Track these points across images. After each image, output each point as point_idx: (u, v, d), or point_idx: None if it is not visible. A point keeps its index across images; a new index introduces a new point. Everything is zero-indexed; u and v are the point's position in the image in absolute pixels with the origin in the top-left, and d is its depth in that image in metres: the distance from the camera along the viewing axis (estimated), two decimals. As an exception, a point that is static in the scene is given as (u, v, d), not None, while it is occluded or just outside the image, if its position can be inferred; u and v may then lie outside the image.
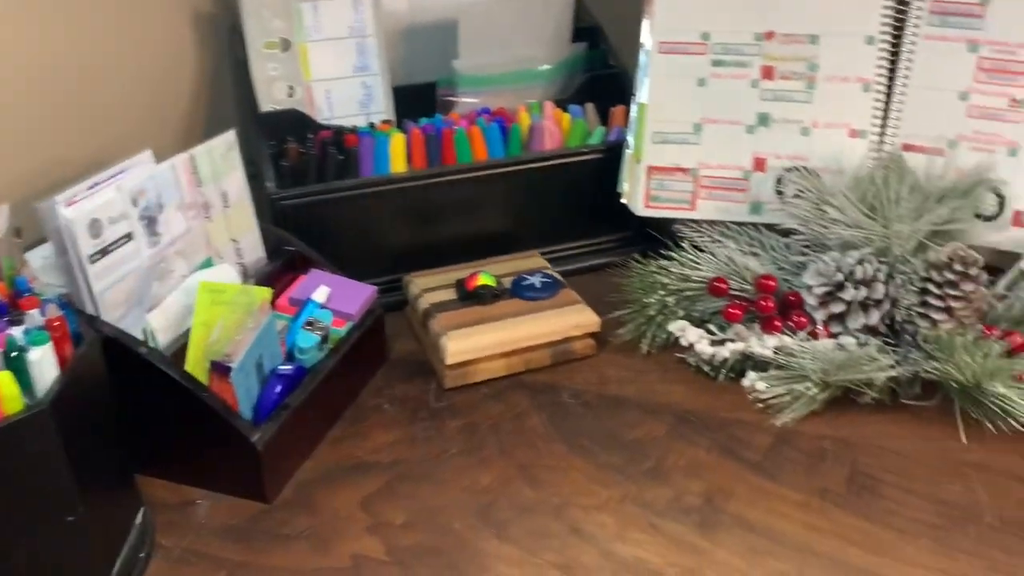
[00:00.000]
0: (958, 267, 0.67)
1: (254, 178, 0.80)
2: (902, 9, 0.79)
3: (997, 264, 0.75)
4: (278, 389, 0.64)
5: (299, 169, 0.82)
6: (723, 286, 0.72)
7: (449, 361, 0.72)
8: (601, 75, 0.94)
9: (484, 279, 0.77)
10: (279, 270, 0.75)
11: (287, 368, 0.65)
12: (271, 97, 0.87)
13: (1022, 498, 0.61)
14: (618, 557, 0.57)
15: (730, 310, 0.71)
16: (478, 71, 0.89)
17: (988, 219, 0.77)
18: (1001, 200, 0.77)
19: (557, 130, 0.88)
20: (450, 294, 0.78)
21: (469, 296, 0.77)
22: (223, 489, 0.63)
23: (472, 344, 0.73)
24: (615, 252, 0.89)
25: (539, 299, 0.77)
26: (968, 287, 0.67)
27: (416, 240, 0.84)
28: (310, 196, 0.80)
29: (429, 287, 0.79)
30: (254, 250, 0.75)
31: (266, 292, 0.67)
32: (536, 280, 0.79)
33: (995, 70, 0.77)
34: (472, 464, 0.65)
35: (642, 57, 0.83)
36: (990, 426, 0.66)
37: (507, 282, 0.79)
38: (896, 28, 0.79)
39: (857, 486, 0.62)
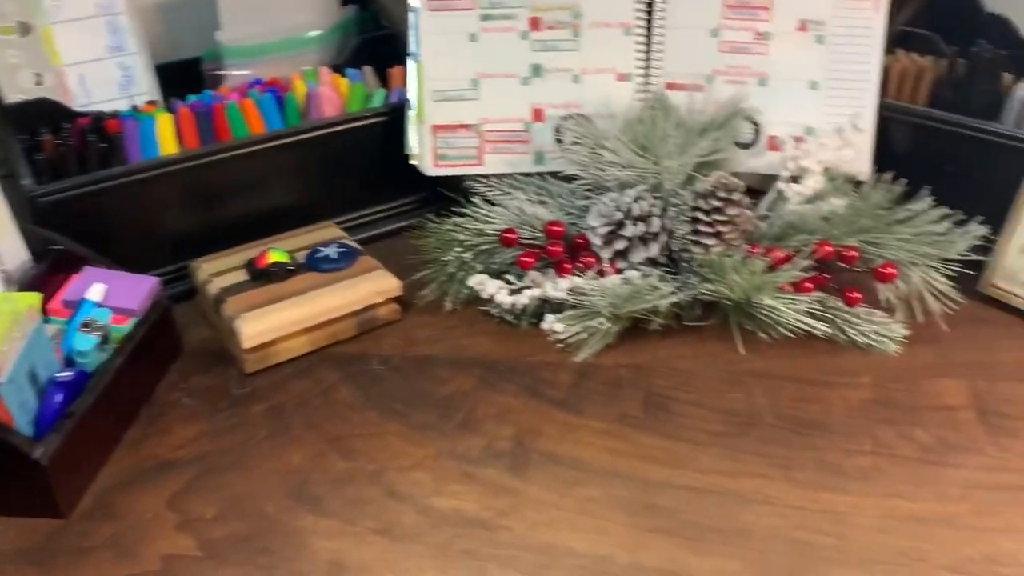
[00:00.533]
0: (722, 194, 0.72)
1: (7, 177, 0.74)
2: (652, -46, 0.83)
3: (760, 187, 0.82)
4: (59, 398, 0.60)
5: (57, 162, 0.76)
6: (513, 236, 0.74)
7: (246, 345, 0.70)
8: (375, 37, 0.93)
9: (275, 256, 0.75)
10: (47, 272, 0.70)
11: (66, 375, 0.61)
12: (16, 87, 0.80)
13: (795, 396, 0.67)
14: (436, 511, 0.58)
15: (523, 259, 0.73)
16: (245, 42, 0.85)
17: (746, 146, 0.83)
18: (756, 128, 0.83)
19: (336, 96, 0.86)
20: (241, 276, 0.75)
21: (261, 275, 0.75)
22: (14, 511, 0.58)
23: (269, 324, 0.71)
24: (412, 214, 0.89)
25: (337, 270, 0.76)
26: (732, 211, 0.72)
27: (199, 223, 0.80)
28: (73, 190, 0.74)
29: (218, 271, 0.76)
30: (16, 255, 0.69)
31: (32, 298, 0.62)
32: (332, 251, 0.77)
33: (739, 6, 0.82)
34: (281, 445, 0.64)
35: (411, 17, 0.83)
36: (763, 336, 0.72)
37: (301, 256, 0.77)
38: (648, -28, 0.83)
39: (653, 407, 0.66)
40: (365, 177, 0.87)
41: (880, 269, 0.70)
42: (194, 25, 0.86)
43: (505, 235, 0.74)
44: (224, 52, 0.85)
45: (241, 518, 0.58)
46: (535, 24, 0.83)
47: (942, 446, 0.61)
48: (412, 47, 0.83)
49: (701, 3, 0.82)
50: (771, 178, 0.82)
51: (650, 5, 0.83)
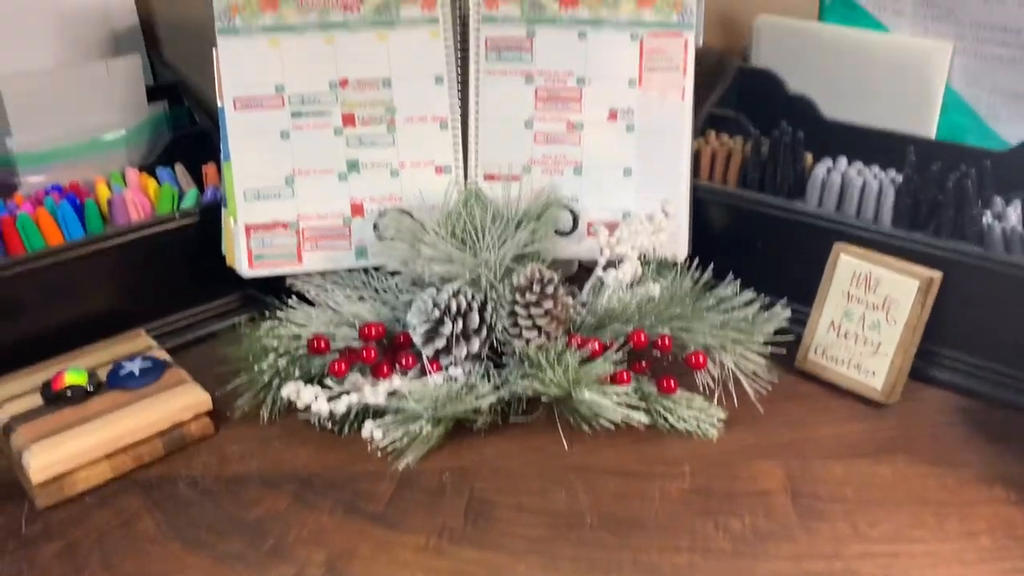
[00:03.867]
0: (537, 288, 0.72)
1: None
2: (463, 48, 0.83)
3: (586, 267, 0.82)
4: None
5: None
6: (322, 344, 0.71)
7: (36, 479, 0.64)
8: (188, 133, 0.90)
9: (72, 377, 0.70)
10: None
11: None
12: None
13: (616, 492, 0.66)
14: (235, 657, 0.54)
15: (334, 366, 0.71)
16: (39, 147, 0.80)
17: (567, 234, 0.84)
18: (574, 216, 0.84)
19: (144, 198, 0.82)
20: (35, 400, 0.70)
21: (56, 399, 0.69)
22: None
23: (63, 453, 0.66)
24: (231, 315, 0.85)
25: (141, 387, 0.71)
26: (548, 304, 0.72)
27: (-9, 343, 0.74)
28: None
29: (9, 396, 0.70)
30: None
31: None
32: (135, 366, 0.73)
33: (551, 98, 0.83)
34: (68, 593, 0.59)
35: (220, 116, 0.80)
36: (586, 428, 0.71)
37: (103, 373, 0.72)
38: (460, 66, 0.83)
39: (474, 514, 0.64)
40: (177, 281, 0.83)
41: (691, 357, 0.72)
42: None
43: (313, 343, 0.71)
44: (16, 159, 0.80)
45: None
46: (348, 120, 0.82)
47: (755, 536, 0.62)
48: (222, 148, 0.81)
49: (514, 96, 0.83)
50: (593, 263, 0.83)
51: (464, 99, 0.84)
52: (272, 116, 0.80)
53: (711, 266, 0.80)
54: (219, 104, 0.80)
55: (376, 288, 0.81)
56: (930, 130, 0.84)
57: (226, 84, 0.79)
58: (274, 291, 0.82)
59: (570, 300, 0.77)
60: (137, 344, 0.77)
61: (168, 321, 0.83)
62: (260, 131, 0.80)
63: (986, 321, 0.74)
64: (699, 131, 0.90)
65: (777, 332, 0.75)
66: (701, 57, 0.85)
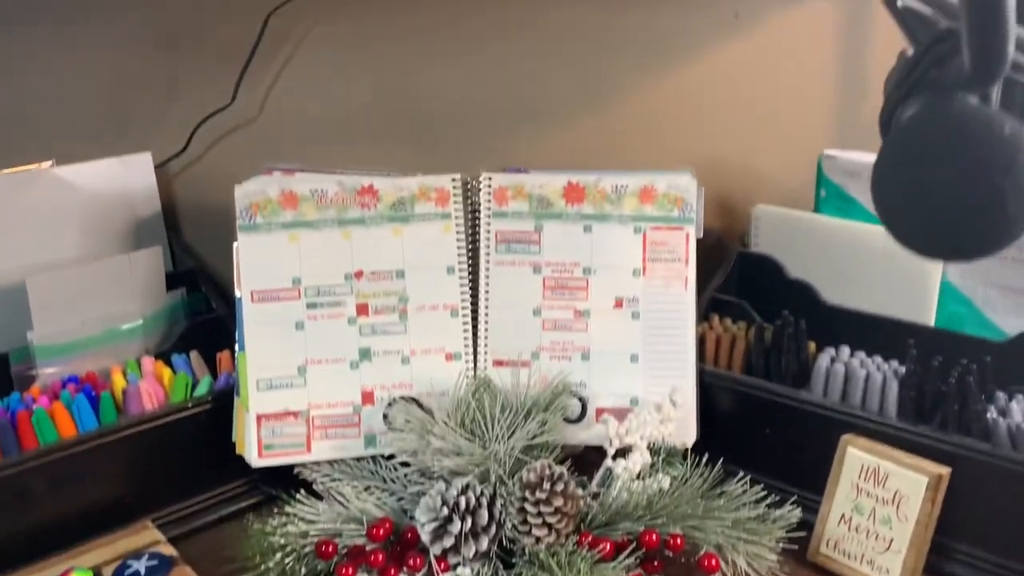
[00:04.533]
0: (547, 484, 0.72)
1: None
2: (474, 240, 0.87)
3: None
4: None
5: None
6: (329, 549, 0.71)
7: None
8: (204, 320, 0.92)
9: (77, 578, 0.70)
10: None
11: None
12: None
13: None
14: None
15: (341, 570, 0.70)
16: (58, 339, 0.82)
17: (575, 421, 0.85)
18: (583, 403, 0.85)
19: (159, 387, 0.83)
20: (38, 604, 0.69)
21: (60, 603, 0.68)
22: None
23: (63, 665, 0.64)
24: (240, 499, 0.85)
25: (146, 587, 0.71)
26: (558, 502, 0.72)
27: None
28: None
29: (12, 598, 0.69)
30: None
31: None
32: (142, 565, 0.72)
33: (557, 287, 0.86)
34: None
35: (237, 307, 0.83)
36: (600, 632, 0.70)
37: (109, 571, 0.72)
38: (471, 257, 0.86)
39: None
40: (187, 468, 0.83)
41: (704, 560, 0.71)
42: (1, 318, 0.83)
43: (321, 548, 0.71)
44: (36, 351, 0.81)
45: None
46: (363, 309, 0.84)
47: None
48: (237, 338, 0.83)
49: (523, 285, 0.86)
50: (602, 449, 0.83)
51: (475, 287, 0.86)
52: (288, 307, 0.83)
53: (721, 454, 0.80)
54: (237, 295, 0.82)
55: (384, 477, 0.81)
56: (929, 318, 0.86)
57: (244, 278, 0.82)
58: (282, 479, 0.82)
59: (580, 492, 0.77)
60: (143, 538, 0.76)
61: (176, 508, 0.83)
62: (276, 322, 0.82)
63: (1000, 516, 0.74)
64: (703, 315, 0.92)
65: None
66: (703, 240, 0.89)
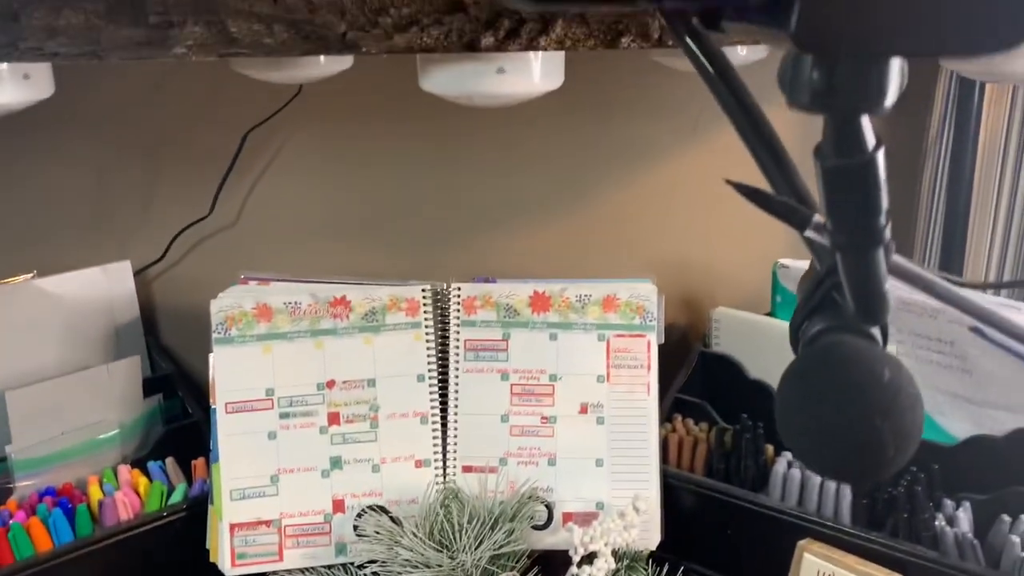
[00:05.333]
0: (512, 598, 0.75)
1: None
2: (443, 347, 0.90)
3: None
4: None
5: None
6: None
7: None
8: (180, 426, 0.94)
9: None
10: None
11: None
12: None
13: None
14: None
15: None
16: (36, 452, 0.84)
17: (542, 527, 0.87)
18: (549, 509, 0.87)
19: (134, 496, 0.85)
20: None
21: None
22: None
23: None
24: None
25: None
26: (523, 615, 0.74)
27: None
28: None
29: None
30: None
31: None
32: None
33: (525, 393, 0.89)
34: None
35: (212, 418, 0.85)
36: None
37: None
38: (442, 365, 0.89)
39: None
40: (162, 573, 0.85)
41: (663, 673, 0.73)
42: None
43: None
44: (14, 465, 0.83)
45: None
46: (334, 419, 0.86)
47: None
48: (212, 448, 0.85)
49: (491, 392, 0.89)
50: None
51: (444, 395, 0.89)
52: (261, 418, 0.85)
53: (686, 555, 0.83)
54: (212, 406, 0.85)
55: (355, 585, 0.83)
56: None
57: (219, 390, 0.84)
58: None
59: (545, 599, 0.79)
60: (116, 651, 0.77)
61: (149, 616, 0.84)
62: (249, 432, 0.85)
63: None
64: (666, 416, 0.96)
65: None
66: (668, 337, 0.92)
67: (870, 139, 0.29)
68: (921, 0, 0.22)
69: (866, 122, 0.29)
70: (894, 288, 0.93)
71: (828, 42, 0.22)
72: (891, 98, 0.27)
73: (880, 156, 0.29)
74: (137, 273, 0.98)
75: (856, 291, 0.34)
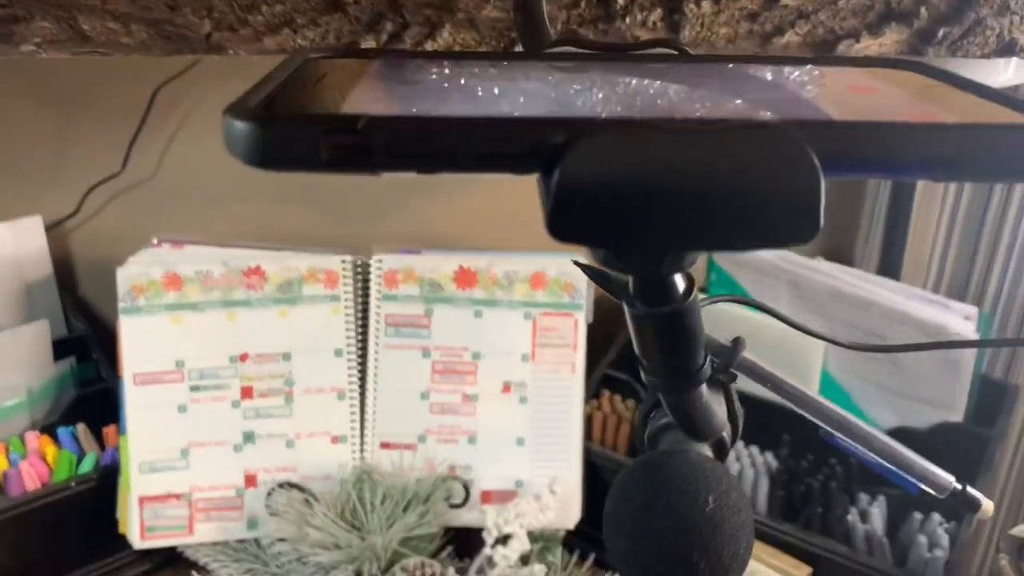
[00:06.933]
0: (418, 586, 0.74)
1: None
2: (363, 323, 0.87)
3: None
4: None
5: None
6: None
7: None
8: (93, 391, 0.91)
9: None
10: None
11: None
12: None
13: None
14: None
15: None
16: (-64, 419, 0.82)
17: (460, 506, 0.86)
18: (467, 488, 0.86)
19: (42, 465, 0.83)
20: None
21: None
22: None
23: None
24: (127, 569, 0.85)
25: None
26: (429, 602, 0.74)
27: None
28: None
29: None
30: None
31: None
32: (11, 659, 0.73)
33: (446, 371, 0.87)
34: None
35: (120, 388, 0.82)
36: None
37: (-21, 665, 0.72)
38: (361, 340, 0.87)
39: None
40: (72, 543, 0.83)
41: (563, 665, 0.73)
42: None
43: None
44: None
45: None
46: (247, 392, 0.84)
47: None
48: (120, 419, 0.82)
49: (411, 369, 0.86)
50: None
51: (363, 370, 0.87)
52: (171, 390, 0.82)
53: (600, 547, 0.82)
54: (120, 378, 0.82)
55: (266, 561, 0.82)
56: (809, 406, 0.88)
57: (127, 361, 0.82)
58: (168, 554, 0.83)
59: (457, 580, 0.79)
60: (19, 624, 0.77)
61: (60, 582, 0.83)
62: (158, 405, 0.82)
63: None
64: (594, 392, 0.94)
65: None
66: (599, 313, 0.90)
67: (680, 285, 0.26)
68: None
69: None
70: (831, 279, 0.90)
71: (578, 238, 0.20)
72: (688, 261, 0.25)
73: (692, 300, 0.27)
74: (49, 229, 0.93)
75: (679, 420, 0.31)
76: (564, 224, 0.19)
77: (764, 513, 0.81)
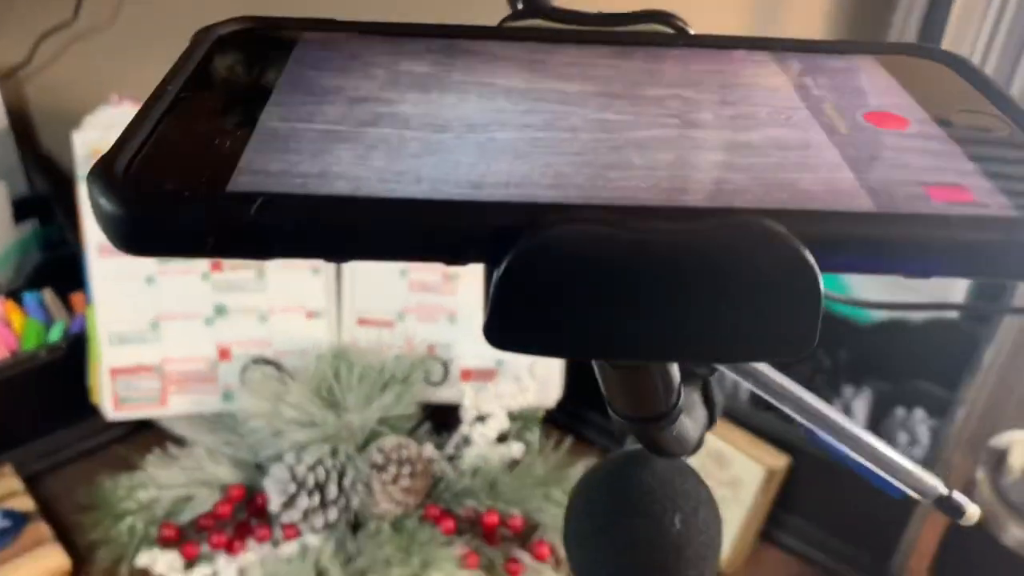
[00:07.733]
0: (393, 468, 0.74)
1: None
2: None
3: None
4: None
5: None
6: (172, 534, 0.72)
7: None
8: (59, 255, 0.88)
9: (-79, 546, 0.71)
10: None
11: None
12: None
13: None
14: None
15: (185, 549, 0.72)
16: None
17: (438, 384, 0.85)
18: (445, 367, 0.84)
19: (8, 333, 0.81)
20: None
21: (-96, 570, 0.70)
22: None
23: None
24: (100, 434, 0.86)
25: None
26: (405, 483, 0.74)
27: None
28: None
29: None
30: None
31: None
32: (-8, 525, 0.73)
33: (426, 247, 0.83)
34: None
35: (86, 258, 0.79)
36: (435, 604, 0.74)
37: (-42, 532, 0.73)
38: (336, 210, 0.82)
39: None
40: (45, 409, 0.83)
41: (535, 546, 0.74)
42: None
43: (164, 534, 0.72)
44: None
45: None
46: (216, 265, 0.81)
47: None
48: (87, 290, 0.79)
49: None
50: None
51: (339, 243, 0.83)
52: (138, 262, 0.79)
53: (589, 403, 0.82)
54: (85, 250, 0.78)
55: (241, 433, 0.81)
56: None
57: (89, 230, 0.77)
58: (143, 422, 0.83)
59: (435, 454, 0.79)
60: (3, 487, 0.77)
61: (35, 445, 0.83)
62: (125, 277, 0.79)
63: (831, 499, 0.78)
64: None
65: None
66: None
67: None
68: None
69: None
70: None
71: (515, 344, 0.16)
72: None
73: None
74: (3, 78, 0.87)
75: (648, 447, 0.27)
76: (502, 332, 0.16)
77: (746, 401, 0.80)
